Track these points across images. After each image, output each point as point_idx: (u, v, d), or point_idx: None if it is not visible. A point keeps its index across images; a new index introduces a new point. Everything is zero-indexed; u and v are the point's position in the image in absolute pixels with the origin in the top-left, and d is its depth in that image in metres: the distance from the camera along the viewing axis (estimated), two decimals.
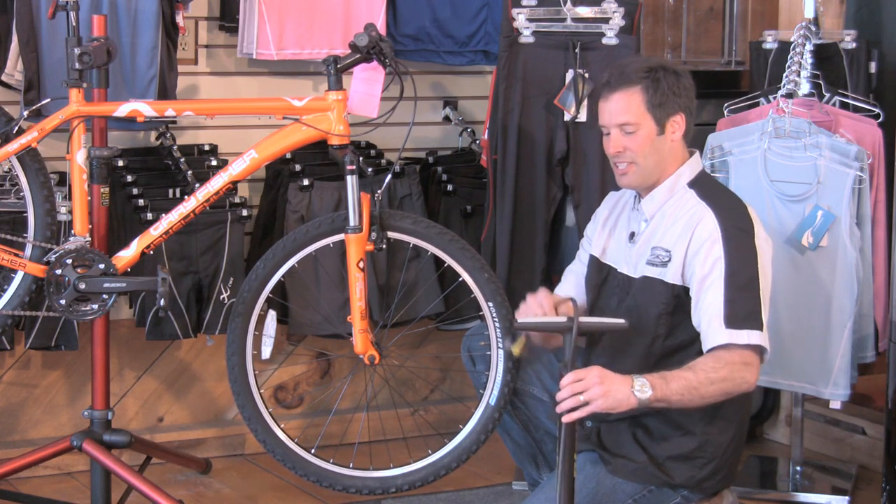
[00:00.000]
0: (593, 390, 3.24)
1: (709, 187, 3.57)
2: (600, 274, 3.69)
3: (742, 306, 3.37)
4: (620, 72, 3.53)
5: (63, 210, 4.08)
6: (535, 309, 3.52)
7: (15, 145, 3.80)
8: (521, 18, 4.34)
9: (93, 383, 3.96)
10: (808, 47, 4.41)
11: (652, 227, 3.56)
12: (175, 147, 4.43)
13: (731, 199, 3.57)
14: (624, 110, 3.50)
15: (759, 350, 3.40)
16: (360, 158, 4.20)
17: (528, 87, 4.36)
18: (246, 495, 4.35)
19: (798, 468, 4.52)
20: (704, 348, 3.41)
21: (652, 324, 3.51)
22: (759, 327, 3.38)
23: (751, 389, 3.41)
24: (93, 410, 3.95)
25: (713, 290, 3.40)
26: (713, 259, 3.41)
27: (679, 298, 3.48)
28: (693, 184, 3.55)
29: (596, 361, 3.46)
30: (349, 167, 3.84)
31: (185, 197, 3.94)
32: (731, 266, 3.39)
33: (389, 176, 4.10)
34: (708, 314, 3.40)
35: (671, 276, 3.49)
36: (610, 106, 3.53)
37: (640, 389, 3.28)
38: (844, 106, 4.45)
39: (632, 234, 3.61)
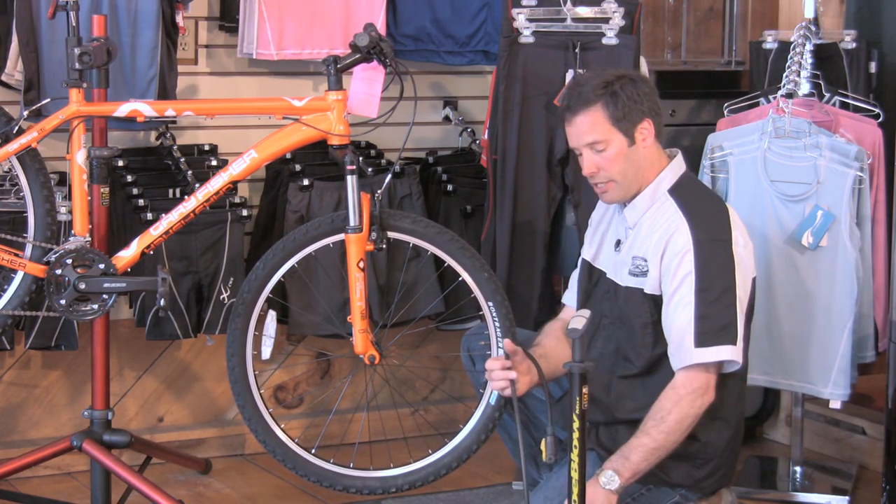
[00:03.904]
0: None
1: (689, 193, 3.54)
2: (591, 278, 3.70)
3: (713, 322, 3.37)
4: (578, 93, 3.52)
5: (63, 210, 4.08)
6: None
7: (15, 145, 3.80)
8: (521, 18, 4.34)
9: (93, 383, 3.96)
10: (808, 47, 4.41)
11: (633, 235, 3.56)
12: (175, 147, 4.43)
13: (709, 206, 3.55)
14: (589, 130, 3.49)
15: (715, 366, 3.39)
16: (360, 158, 4.20)
17: (528, 87, 4.36)
18: (246, 495, 4.35)
19: (798, 468, 4.52)
20: (673, 366, 3.42)
21: (639, 333, 3.52)
22: (732, 341, 3.38)
23: (711, 403, 3.41)
24: (93, 410, 3.95)
25: (683, 307, 3.40)
26: (683, 273, 3.41)
27: (660, 307, 3.48)
28: (673, 190, 3.54)
29: (599, 369, 3.47)
30: (349, 167, 3.84)
31: (185, 197, 3.94)
32: (703, 280, 3.39)
33: (389, 176, 4.10)
34: (678, 333, 3.40)
35: (650, 286, 3.49)
36: (575, 128, 3.52)
37: (609, 482, 3.35)
38: (844, 106, 4.45)
39: (617, 242, 3.62)
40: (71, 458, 4.38)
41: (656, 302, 3.48)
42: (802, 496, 4.38)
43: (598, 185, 3.54)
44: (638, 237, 3.54)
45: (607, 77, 3.52)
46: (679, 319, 3.40)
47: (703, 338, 3.36)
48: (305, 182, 4.49)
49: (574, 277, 3.84)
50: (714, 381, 3.40)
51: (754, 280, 3.54)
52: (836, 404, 4.25)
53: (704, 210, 3.51)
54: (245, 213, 4.42)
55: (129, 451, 4.10)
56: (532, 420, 3.81)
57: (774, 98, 4.38)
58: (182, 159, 4.41)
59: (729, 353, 3.37)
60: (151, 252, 3.91)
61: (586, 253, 3.74)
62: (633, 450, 3.38)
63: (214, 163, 4.44)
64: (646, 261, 3.49)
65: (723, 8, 5.54)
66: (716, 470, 3.52)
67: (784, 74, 4.41)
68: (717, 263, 3.41)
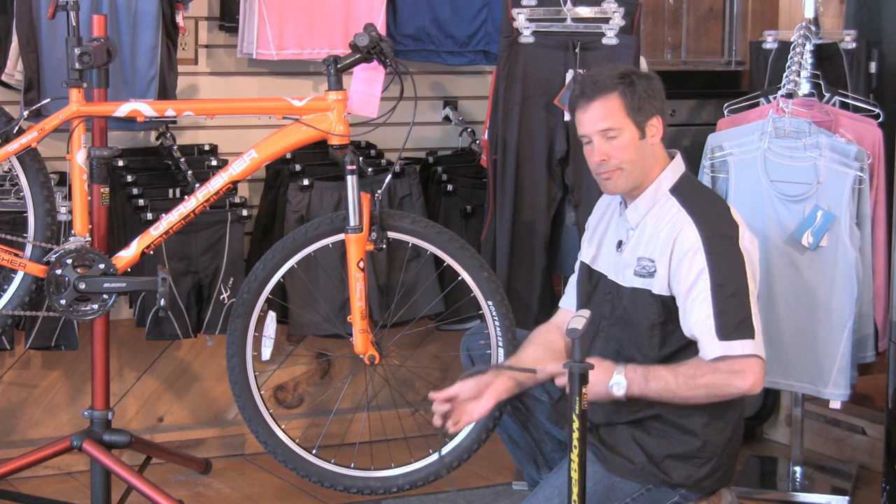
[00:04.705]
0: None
1: (690, 192, 3.55)
2: (590, 281, 3.70)
3: (732, 316, 3.38)
4: (593, 81, 3.53)
5: (63, 210, 4.09)
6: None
7: (15, 145, 3.80)
8: (521, 18, 4.34)
9: (93, 383, 3.96)
10: (808, 47, 4.41)
11: (637, 236, 3.56)
12: (175, 147, 4.43)
13: (712, 204, 3.55)
14: (605, 116, 3.50)
15: (755, 356, 3.40)
16: (360, 158, 4.20)
17: (528, 87, 4.36)
18: (246, 495, 4.35)
19: (798, 468, 4.52)
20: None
21: (645, 335, 3.52)
22: (752, 335, 3.39)
23: (750, 393, 3.42)
24: (93, 410, 3.95)
25: (701, 303, 3.40)
26: (696, 270, 3.41)
27: (668, 308, 3.48)
28: (675, 189, 3.54)
29: None
30: (349, 167, 3.85)
31: (185, 197, 3.94)
32: (717, 276, 3.39)
33: (389, 176, 4.10)
34: (700, 329, 3.40)
35: (658, 286, 3.49)
36: (589, 115, 3.52)
37: (616, 386, 3.39)
38: (844, 106, 4.45)
39: (619, 243, 3.62)
40: (71, 458, 4.38)
41: (664, 302, 3.48)
42: (802, 496, 4.37)
43: (603, 173, 3.53)
44: (643, 237, 3.54)
45: (623, 69, 3.54)
46: (697, 316, 3.40)
47: (725, 332, 3.37)
48: (305, 182, 4.49)
49: (572, 281, 3.84)
50: (758, 371, 3.38)
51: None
52: (836, 404, 4.25)
53: (708, 207, 3.52)
54: (245, 213, 4.42)
55: (129, 451, 4.10)
56: (531, 420, 3.81)
57: (774, 98, 4.38)
58: (182, 159, 4.41)
59: (751, 347, 3.38)
60: (151, 252, 3.91)
61: (585, 256, 3.74)
62: (656, 378, 3.40)
63: (214, 163, 4.44)
64: (653, 261, 3.49)
65: (723, 8, 5.54)
66: (715, 470, 3.52)
67: (784, 74, 4.41)
68: (728, 259, 3.42)
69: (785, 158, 4.27)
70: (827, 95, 4.44)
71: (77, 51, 3.74)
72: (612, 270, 3.62)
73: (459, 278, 3.99)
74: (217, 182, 3.89)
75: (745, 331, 3.38)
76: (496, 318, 3.94)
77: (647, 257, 3.51)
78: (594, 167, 3.55)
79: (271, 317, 4.06)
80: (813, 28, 4.46)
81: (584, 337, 3.14)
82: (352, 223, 3.87)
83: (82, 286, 3.81)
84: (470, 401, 3.57)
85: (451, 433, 3.59)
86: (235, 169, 3.89)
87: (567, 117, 4.32)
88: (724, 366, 3.38)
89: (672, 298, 3.48)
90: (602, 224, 3.72)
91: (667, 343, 3.50)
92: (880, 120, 4.38)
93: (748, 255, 3.45)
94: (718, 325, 3.38)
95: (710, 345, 3.39)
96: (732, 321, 3.38)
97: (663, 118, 3.56)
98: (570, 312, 3.76)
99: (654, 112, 3.52)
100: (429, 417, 4.86)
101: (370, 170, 4.54)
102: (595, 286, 3.68)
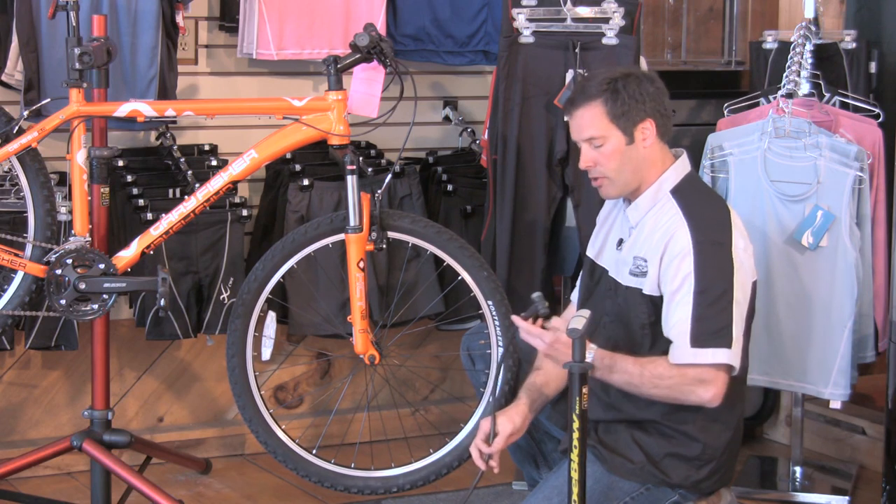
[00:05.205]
0: (557, 349, 3.36)
1: (692, 194, 3.54)
2: (593, 276, 3.70)
3: (710, 324, 3.36)
4: (582, 88, 3.54)
5: (63, 210, 4.09)
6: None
7: (15, 145, 3.80)
8: (521, 18, 4.34)
9: (93, 383, 3.96)
10: (808, 47, 4.41)
11: (635, 235, 3.56)
12: (175, 147, 4.43)
13: (711, 209, 3.54)
14: (588, 125, 3.50)
15: (725, 368, 3.39)
16: (360, 158, 4.21)
17: (528, 87, 4.36)
18: (246, 495, 4.35)
19: (798, 468, 4.52)
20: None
21: (637, 334, 3.52)
22: (727, 344, 3.37)
23: (708, 405, 3.39)
24: (93, 410, 3.95)
25: (682, 307, 3.39)
26: (683, 274, 3.40)
27: (658, 308, 3.48)
28: (676, 190, 3.53)
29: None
30: (349, 167, 3.85)
31: (185, 197, 3.94)
32: (702, 282, 3.38)
33: (389, 176, 4.10)
34: (676, 331, 3.40)
35: (649, 286, 3.49)
36: (575, 122, 3.54)
37: None
38: (844, 106, 4.45)
39: (620, 241, 3.62)
40: (71, 458, 4.38)
41: (654, 303, 3.48)
42: (802, 496, 4.38)
43: (592, 179, 3.56)
44: (640, 237, 3.54)
45: (613, 74, 3.53)
46: (676, 318, 3.40)
47: (700, 339, 3.36)
48: (305, 182, 4.49)
49: (580, 280, 3.84)
50: (722, 385, 3.37)
51: (755, 284, 3.53)
52: (836, 404, 4.25)
53: (705, 212, 3.50)
54: (245, 213, 4.42)
55: (129, 451, 4.10)
56: (532, 420, 3.80)
57: (774, 98, 4.38)
58: (182, 159, 4.41)
59: (724, 357, 3.36)
60: (151, 252, 3.91)
61: (590, 250, 3.74)
62: (621, 372, 3.40)
63: (214, 163, 4.44)
64: (646, 261, 3.50)
65: (723, 8, 5.54)
66: (715, 471, 3.52)
67: (784, 74, 4.41)
68: (716, 266, 3.41)
69: (785, 158, 4.27)
70: (827, 95, 4.44)
71: (77, 51, 3.74)
72: (613, 267, 3.63)
73: (459, 278, 3.99)
74: (217, 182, 3.89)
75: (721, 339, 3.37)
76: (496, 317, 3.94)
77: (642, 257, 3.51)
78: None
79: (271, 317, 4.06)
80: (813, 28, 4.46)
81: (584, 337, 3.14)
82: (352, 223, 3.87)
83: (82, 286, 3.81)
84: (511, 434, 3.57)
85: (496, 472, 3.59)
86: (235, 169, 3.89)
87: (567, 117, 4.32)
88: (691, 372, 3.37)
89: (661, 299, 3.47)
90: (609, 220, 3.72)
91: (656, 343, 3.49)
92: (880, 120, 4.38)
93: (740, 264, 3.43)
94: (694, 331, 3.37)
95: (681, 349, 3.38)
96: (709, 329, 3.37)
97: (659, 119, 3.52)
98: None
99: (645, 115, 3.50)
100: (429, 417, 4.89)
101: (370, 170, 4.54)
102: (597, 281, 3.68)
